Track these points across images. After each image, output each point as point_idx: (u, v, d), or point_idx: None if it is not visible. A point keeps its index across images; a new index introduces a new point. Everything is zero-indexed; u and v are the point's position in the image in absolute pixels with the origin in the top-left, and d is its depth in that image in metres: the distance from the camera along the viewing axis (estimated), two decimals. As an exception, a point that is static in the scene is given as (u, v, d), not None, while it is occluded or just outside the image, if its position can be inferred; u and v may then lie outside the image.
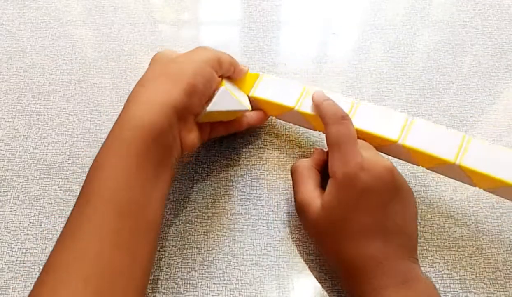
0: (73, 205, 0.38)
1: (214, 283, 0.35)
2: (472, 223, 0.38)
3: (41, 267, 0.35)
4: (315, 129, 0.40)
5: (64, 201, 0.39)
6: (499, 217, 0.38)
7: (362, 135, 0.36)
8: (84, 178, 0.40)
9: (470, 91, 0.46)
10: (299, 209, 0.35)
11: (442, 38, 0.51)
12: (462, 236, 0.37)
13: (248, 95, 0.40)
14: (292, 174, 0.37)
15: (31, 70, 0.47)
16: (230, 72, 0.38)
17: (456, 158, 0.34)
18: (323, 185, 0.35)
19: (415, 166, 0.38)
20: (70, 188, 0.39)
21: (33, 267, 0.36)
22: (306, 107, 0.38)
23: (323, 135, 0.43)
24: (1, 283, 0.35)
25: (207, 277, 0.35)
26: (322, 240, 0.34)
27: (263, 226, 0.38)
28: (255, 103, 0.40)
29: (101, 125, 0.43)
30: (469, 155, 0.34)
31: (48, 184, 0.40)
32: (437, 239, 0.37)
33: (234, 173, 0.40)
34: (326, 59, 0.49)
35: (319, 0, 0.54)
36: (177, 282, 0.35)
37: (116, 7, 0.53)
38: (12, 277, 0.35)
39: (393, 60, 0.49)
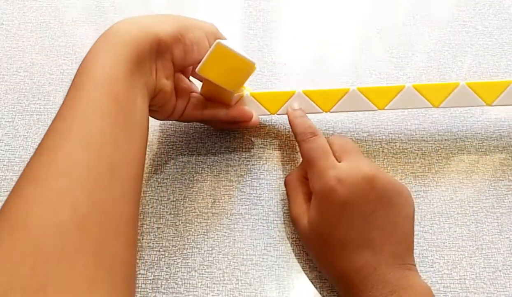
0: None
1: (214, 283, 0.35)
2: (472, 223, 0.38)
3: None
4: (320, 109, 0.40)
5: (64, 201, 0.39)
6: (499, 217, 0.38)
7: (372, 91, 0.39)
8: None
9: (470, 91, 0.46)
10: (293, 223, 0.36)
11: (442, 38, 0.51)
12: (462, 236, 0.37)
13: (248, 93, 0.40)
14: (285, 187, 0.38)
15: (31, 70, 0.47)
16: None
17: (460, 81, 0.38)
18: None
19: (415, 165, 0.38)
20: (70, 188, 0.39)
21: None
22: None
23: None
24: (1, 283, 0.35)
25: (207, 277, 0.35)
26: (314, 254, 0.34)
27: (263, 226, 0.38)
28: (254, 100, 0.40)
29: (101, 125, 0.43)
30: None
31: (48, 184, 0.40)
32: (437, 239, 0.37)
33: (234, 173, 0.40)
34: (326, 59, 0.49)
35: (319, 0, 0.54)
36: (177, 282, 0.35)
37: (116, 7, 0.53)
38: (12, 277, 0.35)
39: (393, 60, 0.49)
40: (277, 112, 0.40)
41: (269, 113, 0.40)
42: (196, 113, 0.38)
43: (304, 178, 0.36)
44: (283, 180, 0.40)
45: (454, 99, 0.39)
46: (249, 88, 0.41)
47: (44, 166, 0.25)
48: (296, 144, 0.42)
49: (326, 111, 0.40)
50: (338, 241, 0.31)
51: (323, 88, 0.40)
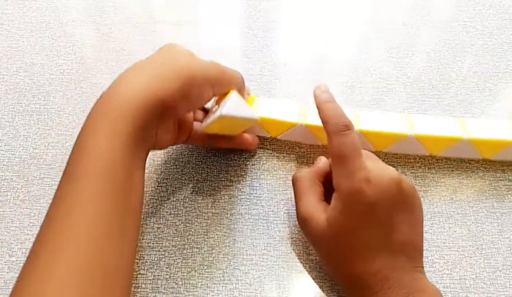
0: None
1: (214, 283, 0.35)
2: (472, 223, 0.38)
3: (41, 267, 0.35)
4: (320, 142, 0.40)
5: (64, 201, 0.39)
6: (499, 217, 0.38)
7: (371, 136, 0.39)
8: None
9: (469, 91, 0.46)
10: (302, 222, 0.34)
11: (442, 38, 0.51)
12: (462, 236, 0.37)
13: None
14: (293, 184, 0.36)
15: (31, 70, 0.47)
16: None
17: (462, 134, 0.38)
18: (326, 197, 0.34)
19: (415, 165, 0.38)
20: (70, 188, 0.39)
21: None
22: (311, 121, 0.39)
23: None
24: (1, 283, 0.35)
25: (207, 277, 0.35)
26: (326, 254, 0.33)
27: (263, 226, 0.38)
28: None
29: (101, 125, 0.43)
30: (473, 131, 0.38)
31: (48, 184, 0.40)
32: (437, 239, 0.37)
33: (234, 173, 0.40)
34: (326, 59, 0.49)
35: (319, 0, 0.54)
36: (177, 282, 0.35)
37: (116, 7, 0.53)
38: (12, 277, 0.35)
39: (393, 60, 0.49)
40: (278, 137, 0.40)
41: (269, 136, 0.41)
42: (198, 142, 0.40)
43: (317, 177, 0.35)
44: (284, 180, 0.40)
45: (454, 151, 0.39)
46: (252, 96, 0.41)
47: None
48: (296, 144, 0.42)
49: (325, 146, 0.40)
50: (359, 242, 0.30)
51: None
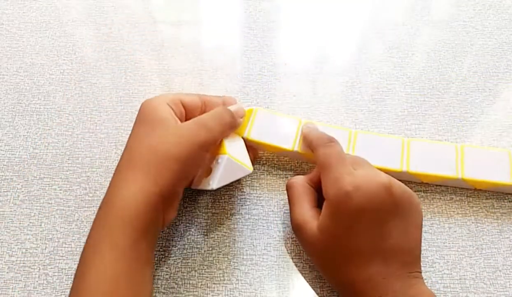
0: (73, 205, 0.38)
1: (214, 283, 0.35)
2: (472, 223, 0.38)
3: (41, 267, 0.35)
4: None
5: (64, 201, 0.39)
6: (499, 217, 0.38)
7: None
8: (84, 178, 0.40)
9: (470, 91, 0.46)
10: (295, 229, 0.34)
11: (442, 38, 0.51)
12: (462, 236, 0.37)
13: (243, 137, 0.38)
14: (287, 191, 0.35)
15: (31, 70, 0.47)
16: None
17: (457, 173, 0.38)
18: (320, 204, 0.33)
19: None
20: (70, 188, 0.39)
21: (33, 267, 0.36)
22: (305, 147, 0.38)
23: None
24: (1, 283, 0.35)
25: (207, 277, 0.35)
26: (319, 261, 0.33)
27: (263, 226, 0.38)
28: (250, 144, 0.39)
29: (101, 125, 0.43)
30: (468, 166, 0.38)
31: (48, 184, 0.40)
32: (437, 239, 0.37)
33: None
34: (326, 59, 0.49)
35: (319, 1, 0.54)
36: (177, 282, 0.35)
37: (116, 7, 0.53)
38: (12, 277, 0.35)
39: (393, 60, 0.49)
40: (245, 135, 0.39)
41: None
42: None
43: (310, 184, 0.35)
44: (284, 180, 0.40)
45: (447, 182, 0.39)
46: (250, 108, 0.40)
47: None
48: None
49: None
50: (350, 249, 0.30)
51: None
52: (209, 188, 0.33)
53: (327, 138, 0.35)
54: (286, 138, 0.38)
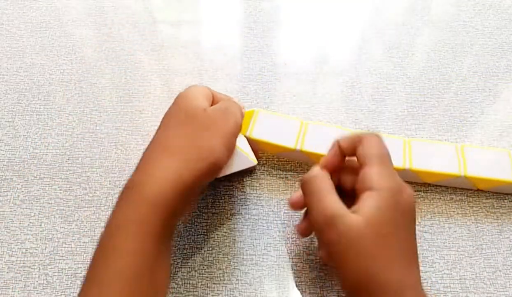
0: (73, 205, 0.38)
1: (214, 283, 0.35)
2: (472, 223, 0.38)
3: (41, 267, 0.35)
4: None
5: (64, 201, 0.39)
6: (499, 217, 0.38)
7: None
8: (84, 178, 0.40)
9: (470, 91, 0.46)
10: (328, 221, 0.30)
11: (442, 38, 0.51)
12: (462, 236, 0.37)
13: (245, 136, 0.38)
14: (310, 184, 0.32)
15: (31, 70, 0.47)
16: None
17: (459, 170, 0.37)
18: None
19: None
20: (70, 188, 0.39)
21: (33, 267, 0.36)
22: (309, 146, 0.38)
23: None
24: (1, 283, 0.35)
25: (207, 277, 0.35)
26: (352, 256, 0.29)
27: (263, 226, 0.38)
28: (252, 143, 0.38)
29: (101, 125, 0.43)
30: (470, 165, 0.38)
31: (48, 184, 0.40)
32: (437, 239, 0.37)
33: (234, 173, 0.40)
34: (326, 59, 0.49)
35: (319, 0, 0.54)
36: (177, 282, 0.35)
37: (116, 7, 0.53)
38: (12, 277, 0.35)
39: (393, 60, 0.49)
40: (247, 134, 0.39)
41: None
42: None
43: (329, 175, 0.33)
44: (284, 180, 0.40)
45: (449, 182, 0.39)
46: (251, 109, 0.40)
47: None
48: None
49: None
50: (394, 246, 0.29)
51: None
52: (219, 175, 0.33)
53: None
54: (288, 138, 0.38)
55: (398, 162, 0.37)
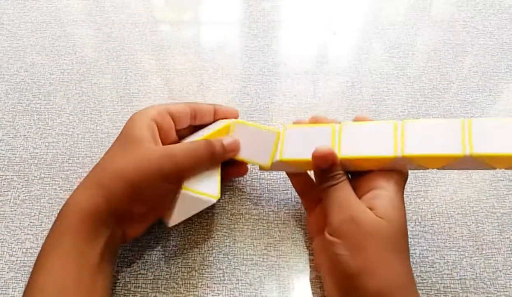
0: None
1: (214, 283, 0.35)
2: (472, 223, 0.38)
3: (41, 267, 0.35)
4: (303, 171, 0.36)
5: (64, 200, 0.39)
6: (500, 217, 0.38)
7: (359, 162, 0.32)
8: (84, 177, 0.40)
9: (470, 91, 0.46)
10: (352, 224, 0.30)
11: (442, 38, 0.51)
12: (462, 236, 0.37)
13: (275, 160, 0.34)
14: (327, 195, 0.32)
15: (32, 70, 0.47)
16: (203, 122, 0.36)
17: (464, 149, 0.29)
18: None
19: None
20: (71, 188, 0.39)
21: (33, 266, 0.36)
22: (288, 151, 0.34)
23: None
24: (1, 283, 0.35)
25: (207, 277, 0.35)
26: (371, 257, 0.29)
27: (263, 226, 0.38)
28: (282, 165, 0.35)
29: (101, 125, 0.43)
30: (475, 141, 0.29)
31: (48, 184, 0.40)
32: (437, 239, 0.37)
33: (234, 173, 0.40)
34: (326, 59, 0.49)
35: (319, 0, 0.54)
36: (177, 282, 0.35)
37: (116, 7, 0.53)
38: (12, 277, 0.35)
39: (393, 60, 0.49)
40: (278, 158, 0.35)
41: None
42: None
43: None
44: (284, 180, 0.40)
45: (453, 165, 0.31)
46: (227, 123, 0.37)
47: None
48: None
49: None
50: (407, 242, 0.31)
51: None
52: (168, 225, 0.32)
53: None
54: (264, 151, 0.35)
55: (389, 150, 0.31)
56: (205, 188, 0.33)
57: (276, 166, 0.35)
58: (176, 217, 0.32)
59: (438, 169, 0.32)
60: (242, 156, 0.35)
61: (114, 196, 0.30)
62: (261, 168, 0.36)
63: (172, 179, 0.31)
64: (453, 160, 0.30)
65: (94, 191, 0.30)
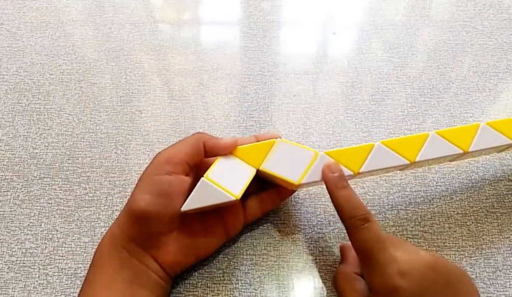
0: (73, 205, 0.38)
1: (214, 283, 0.35)
2: (472, 223, 0.38)
3: (41, 267, 0.35)
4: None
5: (64, 200, 0.39)
6: (499, 217, 0.38)
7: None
8: (84, 178, 0.40)
9: (470, 91, 0.46)
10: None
11: (442, 38, 0.51)
12: (462, 236, 0.37)
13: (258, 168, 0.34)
14: (337, 282, 0.33)
15: (31, 70, 0.47)
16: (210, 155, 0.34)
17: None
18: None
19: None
20: (70, 188, 0.39)
21: (33, 267, 0.36)
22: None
23: (323, 137, 0.43)
24: (1, 283, 0.35)
25: (207, 277, 0.35)
26: None
27: (263, 226, 0.38)
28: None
29: (101, 125, 0.43)
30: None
31: (48, 184, 0.40)
32: (437, 239, 0.37)
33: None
34: (326, 59, 0.49)
35: (319, 0, 0.54)
36: (177, 282, 0.35)
37: (116, 7, 0.53)
38: (12, 277, 0.35)
39: (393, 60, 0.49)
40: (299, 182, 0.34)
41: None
42: (239, 225, 0.36)
43: (354, 272, 0.32)
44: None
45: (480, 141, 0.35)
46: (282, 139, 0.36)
47: None
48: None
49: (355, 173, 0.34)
50: None
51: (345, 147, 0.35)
52: (181, 210, 0.32)
53: (362, 218, 0.30)
54: (295, 171, 0.34)
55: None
56: (227, 185, 0.33)
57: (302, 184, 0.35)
58: (190, 202, 0.32)
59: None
60: (274, 170, 0.34)
61: (122, 220, 0.32)
62: (287, 185, 0.35)
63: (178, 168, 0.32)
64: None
65: (115, 227, 0.33)
